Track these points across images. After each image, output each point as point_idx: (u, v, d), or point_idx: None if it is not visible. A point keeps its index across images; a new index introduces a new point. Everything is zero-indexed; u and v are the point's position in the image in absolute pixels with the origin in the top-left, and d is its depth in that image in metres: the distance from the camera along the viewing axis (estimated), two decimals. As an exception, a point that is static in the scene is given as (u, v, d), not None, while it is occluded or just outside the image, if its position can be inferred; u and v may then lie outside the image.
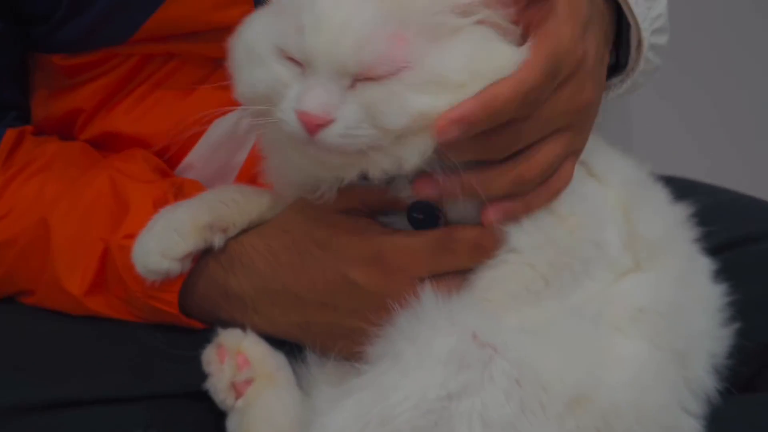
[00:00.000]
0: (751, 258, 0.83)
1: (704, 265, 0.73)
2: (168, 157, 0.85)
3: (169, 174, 0.84)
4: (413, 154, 0.62)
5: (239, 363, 0.71)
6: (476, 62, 0.61)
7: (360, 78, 0.60)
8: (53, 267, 0.77)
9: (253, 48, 0.64)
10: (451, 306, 0.63)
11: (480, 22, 0.62)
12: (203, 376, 0.72)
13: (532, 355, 0.62)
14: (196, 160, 0.84)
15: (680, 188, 0.75)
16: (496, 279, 0.66)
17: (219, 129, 0.83)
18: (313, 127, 0.60)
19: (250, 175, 0.81)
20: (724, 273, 0.73)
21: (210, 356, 0.72)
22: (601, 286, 0.67)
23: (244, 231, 0.74)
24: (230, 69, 0.67)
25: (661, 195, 0.73)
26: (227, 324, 0.74)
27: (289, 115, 0.61)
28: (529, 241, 0.66)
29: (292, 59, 0.62)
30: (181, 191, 0.79)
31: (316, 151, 0.62)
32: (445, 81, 0.61)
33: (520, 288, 0.66)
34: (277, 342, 0.73)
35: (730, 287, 0.72)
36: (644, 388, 0.64)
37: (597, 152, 0.72)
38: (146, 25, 0.79)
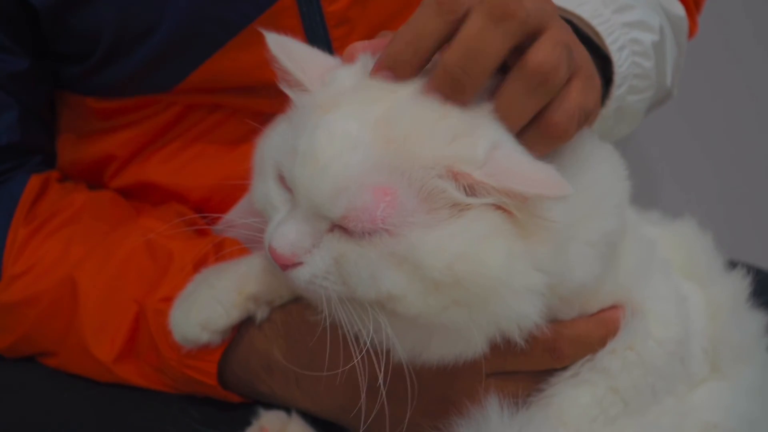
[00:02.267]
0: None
1: None
2: (206, 214, 0.82)
3: (206, 232, 0.80)
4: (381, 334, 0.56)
5: None
6: (464, 264, 0.53)
7: (337, 224, 0.55)
8: (80, 329, 0.73)
9: (262, 159, 0.61)
10: (521, 423, 0.59)
11: (494, 207, 0.54)
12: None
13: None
14: (236, 219, 0.80)
15: (759, 280, 0.72)
16: (576, 400, 0.62)
17: None
18: (280, 264, 0.56)
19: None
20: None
21: None
22: (676, 400, 0.65)
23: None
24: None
25: (746, 302, 0.70)
26: (267, 399, 0.71)
27: (267, 242, 0.58)
28: (619, 362, 0.62)
29: (284, 182, 0.58)
30: (222, 251, 0.75)
31: (291, 285, 0.58)
32: (420, 271, 0.54)
33: (599, 412, 0.62)
34: (323, 426, 0.69)
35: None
36: None
37: (705, 258, 0.70)
38: (193, 75, 0.76)
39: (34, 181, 0.79)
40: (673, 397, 0.65)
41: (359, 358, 0.58)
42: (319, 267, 0.55)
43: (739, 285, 0.70)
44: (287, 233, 0.55)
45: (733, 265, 0.74)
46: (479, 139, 0.54)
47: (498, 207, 0.54)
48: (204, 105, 0.80)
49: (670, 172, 1.42)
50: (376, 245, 0.54)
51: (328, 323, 0.61)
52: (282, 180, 0.58)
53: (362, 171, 0.53)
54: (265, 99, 0.76)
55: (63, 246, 0.76)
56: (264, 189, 0.59)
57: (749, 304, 0.71)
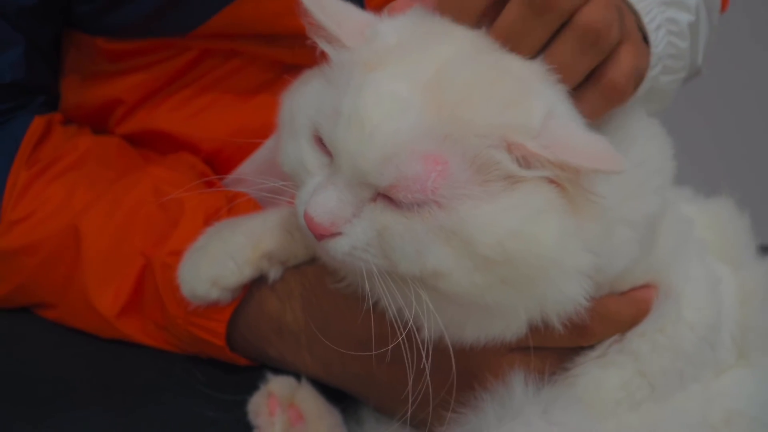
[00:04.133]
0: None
1: None
2: (216, 166, 0.80)
3: (215, 185, 0.79)
4: (421, 311, 0.55)
5: (292, 418, 0.67)
6: (517, 241, 0.53)
7: (383, 193, 0.54)
8: (82, 281, 0.72)
9: (294, 117, 0.59)
10: (546, 401, 0.59)
11: (548, 180, 0.54)
12: (247, 428, 0.68)
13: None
14: (248, 174, 0.79)
15: None
16: (602, 382, 0.63)
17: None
18: (317, 234, 0.55)
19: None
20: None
21: (259, 406, 0.68)
22: (702, 386, 0.65)
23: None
24: (278, 124, 0.62)
25: None
26: (275, 363, 0.70)
27: (300, 209, 0.56)
28: (649, 345, 0.63)
29: (322, 144, 0.56)
30: (234, 206, 0.74)
31: (324, 255, 0.57)
32: (470, 247, 0.53)
33: (625, 395, 0.63)
34: (331, 395, 0.69)
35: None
36: None
37: (740, 239, 0.70)
38: (212, 20, 0.74)
39: (37, 123, 0.78)
40: (698, 384, 0.66)
41: (374, 328, 0.58)
42: (359, 239, 0.54)
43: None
44: (327, 201, 0.54)
45: (765, 250, 0.73)
46: (534, 106, 0.53)
47: (551, 181, 0.53)
48: (220, 51, 0.78)
49: (707, 149, 1.41)
50: (424, 218, 0.52)
51: (350, 292, 0.59)
52: (319, 142, 0.56)
53: (413, 137, 0.52)
54: (285, 48, 0.76)
55: (66, 191, 0.75)
56: (296, 150, 0.57)
57: None
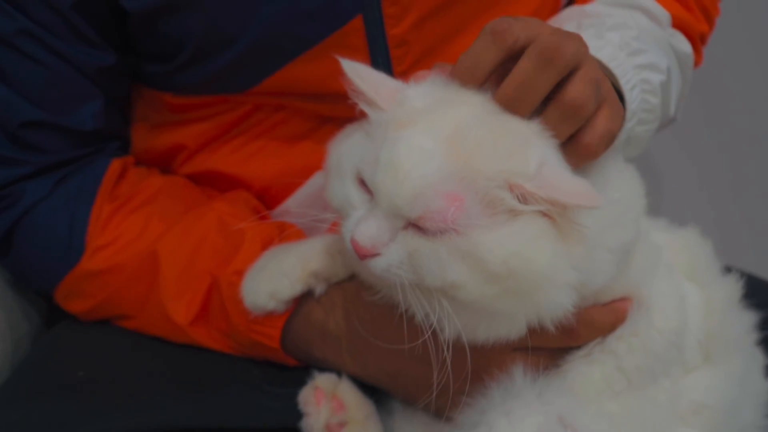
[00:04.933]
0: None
1: (760, 361, 0.84)
2: (266, 201, 0.94)
3: (266, 218, 0.92)
4: (442, 316, 0.67)
5: (335, 406, 0.79)
6: (517, 260, 0.65)
7: (413, 223, 0.66)
8: (159, 296, 0.85)
9: (340, 163, 0.71)
10: (541, 387, 0.72)
11: (542, 214, 0.66)
12: (297, 415, 0.80)
13: (609, 438, 0.71)
14: (293, 206, 0.92)
15: (750, 285, 0.84)
16: (587, 375, 0.74)
17: (318, 181, 0.91)
18: (360, 255, 0.67)
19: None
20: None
21: (308, 397, 0.80)
22: (672, 382, 0.77)
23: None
24: (325, 168, 0.74)
25: (739, 302, 0.83)
26: (320, 363, 0.82)
27: (347, 236, 0.68)
28: (626, 346, 0.75)
29: (364, 184, 0.69)
30: (285, 235, 0.87)
31: (365, 271, 0.71)
32: (481, 264, 0.65)
33: (606, 386, 0.74)
34: (366, 390, 0.82)
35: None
36: None
37: (705, 262, 0.82)
38: (266, 81, 0.88)
39: (115, 164, 0.91)
40: (669, 380, 0.78)
41: (409, 334, 0.70)
42: (394, 258, 0.67)
43: (734, 287, 0.82)
44: (369, 229, 0.67)
45: (728, 270, 0.86)
46: (530, 157, 0.67)
47: (544, 214, 0.66)
48: (270, 105, 0.91)
49: (675, 186, 1.59)
50: (445, 242, 0.65)
51: (384, 303, 0.73)
52: (361, 183, 0.70)
53: (437, 180, 0.65)
54: (325, 104, 0.89)
55: (144, 222, 0.88)
56: (343, 189, 0.71)
57: (741, 304, 0.83)
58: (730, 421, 0.78)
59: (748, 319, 0.83)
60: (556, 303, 0.69)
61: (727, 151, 1.65)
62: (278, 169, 0.92)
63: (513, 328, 0.71)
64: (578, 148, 0.70)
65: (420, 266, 0.67)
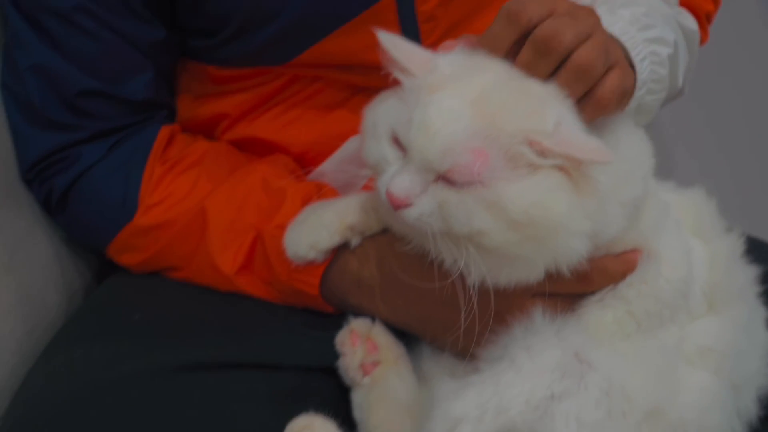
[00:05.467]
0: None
1: (762, 314, 0.90)
2: (304, 164, 1.01)
3: (303, 179, 0.99)
4: (468, 261, 0.74)
5: (369, 348, 0.87)
6: (536, 210, 0.72)
7: (442, 177, 0.73)
8: (207, 248, 0.93)
9: (376, 125, 0.78)
10: (558, 326, 0.80)
11: (558, 168, 0.73)
12: (334, 356, 0.88)
13: (621, 373, 0.79)
14: (328, 170, 1.00)
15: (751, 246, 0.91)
16: (600, 318, 0.81)
17: (352, 145, 0.99)
18: (395, 205, 0.74)
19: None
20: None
21: (344, 339, 0.88)
22: (678, 327, 0.84)
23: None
24: (362, 130, 0.81)
25: (741, 256, 0.90)
26: (354, 310, 0.88)
27: (382, 189, 0.75)
28: (636, 292, 0.81)
29: (398, 143, 0.75)
30: (322, 193, 0.94)
31: (399, 221, 0.78)
32: (505, 213, 0.71)
33: (618, 329, 0.81)
34: (397, 335, 0.89)
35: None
36: (707, 410, 0.81)
37: (710, 219, 0.89)
38: (304, 54, 0.95)
39: (164, 131, 0.99)
40: (676, 326, 0.85)
41: (438, 279, 0.77)
42: (425, 208, 0.74)
43: (736, 242, 0.90)
44: (403, 182, 0.74)
45: (730, 230, 0.92)
46: (548, 116, 0.74)
47: (561, 168, 0.73)
48: (307, 76, 0.99)
49: (683, 151, 1.67)
50: (471, 193, 0.72)
51: (415, 253, 0.80)
52: (395, 142, 0.77)
53: (464, 137, 0.72)
54: (358, 75, 0.97)
55: (192, 182, 0.96)
56: (378, 148, 0.78)
57: (743, 259, 0.90)
58: (735, 365, 0.83)
59: (750, 272, 0.90)
60: (571, 249, 0.76)
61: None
62: (314, 136, 0.99)
63: (532, 273, 0.78)
64: (592, 102, 0.77)
65: (449, 215, 0.74)
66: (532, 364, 0.77)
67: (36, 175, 0.98)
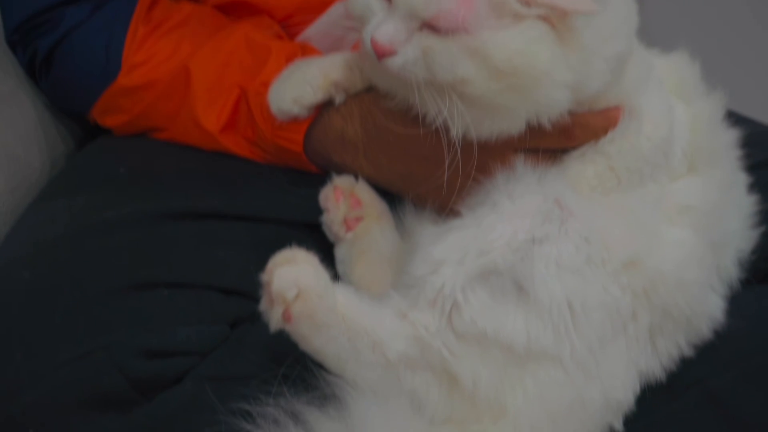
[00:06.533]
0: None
1: (743, 178, 0.92)
2: (288, 29, 1.02)
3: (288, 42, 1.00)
4: (452, 112, 0.75)
5: (352, 203, 0.89)
6: (520, 58, 0.73)
7: (427, 25, 0.74)
8: (191, 107, 0.94)
9: None
10: (540, 174, 0.81)
11: (542, 18, 0.73)
12: (318, 211, 0.90)
13: (601, 221, 0.80)
14: (313, 34, 1.01)
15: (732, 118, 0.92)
16: (582, 172, 0.83)
17: (338, 10, 0.99)
18: (379, 53, 0.75)
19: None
20: (756, 186, 0.92)
21: (327, 195, 0.90)
22: (659, 186, 0.86)
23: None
24: None
25: (722, 119, 0.91)
26: (338, 168, 0.90)
27: (367, 38, 0.76)
28: (616, 148, 0.83)
29: None
30: (306, 51, 0.95)
31: (383, 72, 0.78)
32: (488, 60, 0.73)
33: (598, 183, 0.83)
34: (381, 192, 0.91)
35: (760, 199, 0.92)
36: (685, 264, 0.82)
37: (692, 81, 0.90)
38: None
39: None
40: (657, 185, 0.86)
41: (423, 133, 0.78)
42: (410, 56, 0.75)
43: (718, 104, 0.90)
44: (387, 29, 0.75)
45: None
46: None
47: (545, 19, 0.74)
48: None
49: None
50: (456, 41, 0.73)
51: (399, 109, 0.81)
52: None
53: None
54: None
55: (176, 43, 0.96)
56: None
57: (724, 122, 0.91)
58: (715, 223, 0.85)
59: (731, 134, 0.91)
60: (553, 100, 0.77)
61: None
62: (299, 0, 1.00)
63: (514, 124, 0.79)
64: None
65: (433, 63, 0.75)
66: (513, 207, 0.79)
67: (20, 38, 0.99)
